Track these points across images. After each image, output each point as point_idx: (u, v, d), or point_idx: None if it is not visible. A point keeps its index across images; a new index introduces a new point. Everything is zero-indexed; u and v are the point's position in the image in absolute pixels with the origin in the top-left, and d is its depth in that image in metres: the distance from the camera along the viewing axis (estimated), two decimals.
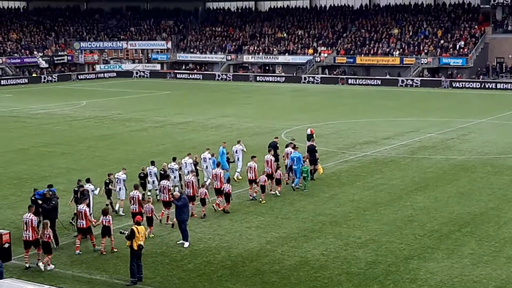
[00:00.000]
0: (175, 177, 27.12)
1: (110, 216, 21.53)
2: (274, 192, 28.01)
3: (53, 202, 22.40)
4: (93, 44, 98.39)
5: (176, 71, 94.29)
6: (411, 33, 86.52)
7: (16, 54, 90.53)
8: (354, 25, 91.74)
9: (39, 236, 19.99)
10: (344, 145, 39.60)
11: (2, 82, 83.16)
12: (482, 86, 74.68)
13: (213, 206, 25.57)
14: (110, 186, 25.62)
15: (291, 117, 51.72)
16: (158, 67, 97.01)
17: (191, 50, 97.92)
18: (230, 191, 25.91)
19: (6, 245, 20.17)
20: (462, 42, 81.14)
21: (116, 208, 25.51)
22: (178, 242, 22.02)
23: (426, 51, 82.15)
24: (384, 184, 29.89)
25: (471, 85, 75.19)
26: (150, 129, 46.59)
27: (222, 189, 25.80)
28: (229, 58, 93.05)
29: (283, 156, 30.78)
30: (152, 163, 27.65)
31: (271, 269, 19.70)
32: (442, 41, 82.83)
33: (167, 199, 24.29)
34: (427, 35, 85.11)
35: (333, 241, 22.11)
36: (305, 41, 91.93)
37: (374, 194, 28.18)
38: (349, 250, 21.18)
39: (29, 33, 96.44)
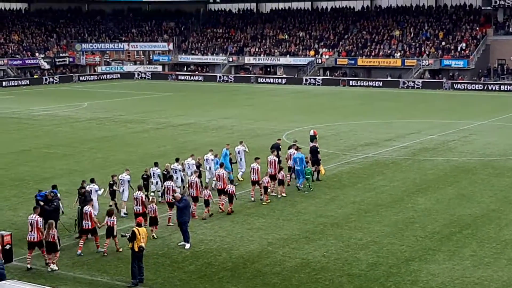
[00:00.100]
0: (177, 178, 27.15)
1: (115, 217, 21.58)
2: (275, 194, 28.03)
3: (55, 204, 22.44)
4: (95, 46, 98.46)
5: (177, 72, 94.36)
6: (412, 35, 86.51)
7: (17, 56, 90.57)
8: (356, 26, 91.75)
9: (43, 237, 20.05)
10: (345, 146, 39.60)
11: (4, 83, 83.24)
12: (484, 88, 74.65)
13: (220, 207, 25.67)
14: (114, 187, 25.69)
15: (292, 118, 51.72)
16: (159, 68, 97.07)
17: (193, 51, 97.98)
18: (234, 191, 25.99)
19: (8, 247, 20.17)
20: (464, 44, 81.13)
21: (122, 212, 25.53)
22: (179, 244, 22.03)
23: (427, 52, 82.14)
24: (385, 186, 29.89)
25: (472, 86, 75.16)
26: (151, 131, 46.61)
27: (225, 189, 25.88)
28: (231, 60, 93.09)
29: (286, 158, 30.80)
30: (156, 164, 27.71)
31: (272, 271, 19.71)
32: (443, 43, 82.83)
33: (171, 199, 24.36)
34: (428, 37, 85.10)
35: (334, 242, 22.11)
36: (306, 42, 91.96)
37: (375, 196, 28.17)
38: (350, 252, 21.18)
39: (30, 34, 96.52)
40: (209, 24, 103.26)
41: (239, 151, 31.13)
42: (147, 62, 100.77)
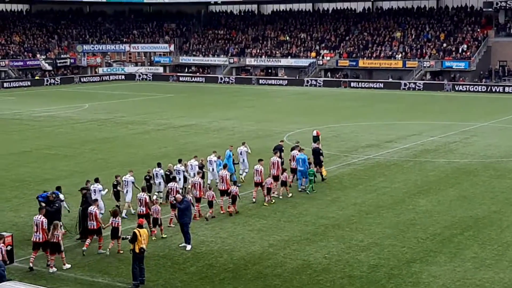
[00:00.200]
0: (179, 179, 27.16)
1: (119, 217, 21.59)
2: (277, 194, 28.06)
3: (56, 205, 22.45)
4: (96, 47, 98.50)
5: (178, 74, 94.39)
6: (413, 36, 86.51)
7: (19, 57, 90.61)
8: (357, 28, 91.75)
9: (48, 238, 20.09)
10: (347, 148, 39.59)
11: (5, 84, 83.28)
12: (485, 89, 74.65)
13: (223, 208, 25.76)
14: (118, 188, 25.73)
15: (293, 120, 51.72)
16: (160, 70, 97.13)
17: (194, 53, 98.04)
18: (237, 192, 26.02)
19: (9, 248, 20.17)
20: (465, 46, 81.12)
21: (125, 211, 25.59)
22: (180, 245, 22.02)
23: (428, 54, 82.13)
24: (386, 187, 29.87)
25: (473, 88, 75.15)
26: (152, 132, 46.61)
27: (229, 190, 25.92)
28: (232, 61, 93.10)
29: (289, 159, 30.79)
30: (159, 165, 27.74)
31: (273, 272, 19.69)
32: (444, 45, 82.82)
33: (172, 201, 24.37)
34: (429, 38, 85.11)
35: (336, 244, 22.09)
36: (307, 44, 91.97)
37: (376, 197, 28.16)
38: (351, 254, 21.16)
39: (32, 35, 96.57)
40: (210, 26, 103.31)
41: (241, 152, 31.19)
42: (148, 63, 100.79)
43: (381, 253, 21.14)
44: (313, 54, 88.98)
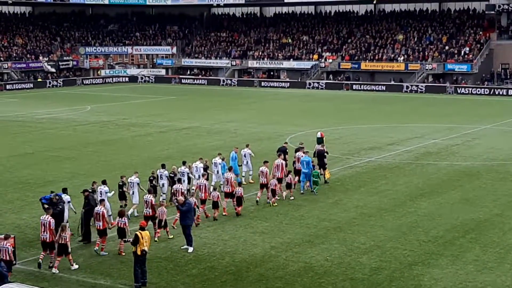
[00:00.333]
0: (184, 181, 27.21)
1: (125, 218, 21.64)
2: (283, 195, 28.12)
3: (60, 207, 22.50)
4: (98, 49, 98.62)
5: (181, 76, 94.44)
6: (416, 39, 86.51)
7: (21, 59, 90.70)
8: (359, 30, 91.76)
9: (56, 238, 20.16)
10: (349, 150, 39.60)
11: (8, 86, 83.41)
12: (487, 92, 74.61)
13: (225, 210, 25.84)
14: (124, 189, 25.79)
15: (295, 122, 51.75)
16: (163, 72, 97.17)
17: (196, 55, 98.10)
18: (242, 194, 26.07)
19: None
20: (467, 48, 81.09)
21: (129, 212, 25.65)
22: (182, 247, 22.04)
23: (431, 57, 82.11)
24: (388, 190, 29.88)
25: (476, 91, 75.12)
26: (154, 134, 46.65)
27: (234, 192, 25.97)
28: (234, 64, 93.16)
29: (293, 161, 30.82)
30: (163, 166, 27.81)
31: (275, 275, 19.70)
32: (447, 47, 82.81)
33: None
34: (432, 41, 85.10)
35: (337, 247, 22.10)
36: (310, 46, 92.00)
37: (378, 200, 28.16)
38: (353, 256, 21.17)
39: (34, 38, 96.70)
40: (212, 28, 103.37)
41: (245, 154, 31.26)
42: (151, 65, 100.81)
43: (383, 256, 21.15)
44: (315, 56, 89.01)
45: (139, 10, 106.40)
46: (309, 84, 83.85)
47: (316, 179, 29.14)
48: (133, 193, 25.92)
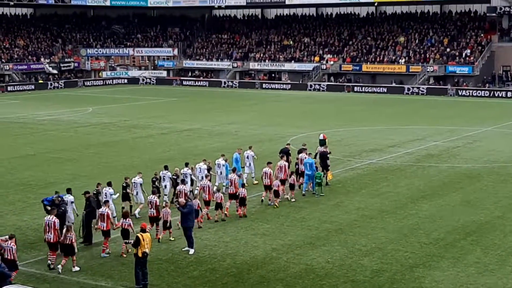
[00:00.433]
0: (186, 183, 27.25)
1: (130, 219, 21.66)
2: (287, 197, 28.18)
3: (62, 208, 22.51)
4: (100, 51, 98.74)
5: (182, 78, 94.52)
6: (417, 41, 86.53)
7: (23, 61, 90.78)
8: (360, 32, 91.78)
9: (61, 239, 20.19)
10: (350, 152, 39.59)
11: (9, 88, 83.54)
12: (488, 94, 74.60)
13: (227, 211, 25.86)
14: (128, 190, 25.83)
15: (296, 124, 51.76)
16: (164, 74, 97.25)
17: (197, 57, 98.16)
18: (246, 195, 26.11)
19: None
20: (468, 51, 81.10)
21: (136, 212, 25.72)
22: (183, 249, 22.05)
23: (432, 59, 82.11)
24: (389, 192, 29.87)
25: (477, 93, 75.11)
26: (156, 136, 46.66)
27: (237, 194, 25.99)
28: (235, 65, 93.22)
29: (296, 163, 30.82)
30: (166, 167, 27.83)
31: (276, 277, 19.70)
32: (448, 49, 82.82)
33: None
34: (433, 43, 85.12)
35: (339, 249, 22.10)
36: (311, 48, 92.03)
37: (379, 202, 28.16)
38: (354, 258, 21.16)
39: (36, 39, 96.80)
40: (214, 30, 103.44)
41: (247, 156, 31.29)
42: (152, 67, 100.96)
43: (384, 258, 21.14)
44: (317, 58, 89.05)
45: (141, 11, 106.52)
46: (311, 86, 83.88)
47: (319, 181, 29.17)
48: (136, 194, 26.01)
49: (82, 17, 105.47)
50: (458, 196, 29.12)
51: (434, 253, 21.61)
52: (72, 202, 23.51)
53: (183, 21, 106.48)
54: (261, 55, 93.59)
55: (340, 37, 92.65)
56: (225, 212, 25.78)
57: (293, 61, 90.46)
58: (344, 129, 49.26)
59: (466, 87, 76.72)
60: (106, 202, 22.77)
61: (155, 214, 23.38)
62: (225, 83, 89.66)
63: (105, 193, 24.38)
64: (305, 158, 29.84)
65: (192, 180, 27.78)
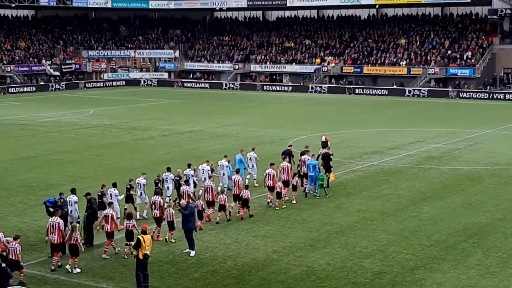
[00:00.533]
0: (189, 184, 27.25)
1: (134, 220, 21.69)
2: (287, 198, 28.18)
3: (65, 210, 22.54)
4: (101, 53, 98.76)
5: (183, 80, 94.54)
6: (418, 43, 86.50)
7: (24, 63, 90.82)
8: (362, 35, 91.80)
9: (66, 239, 20.22)
10: (351, 154, 39.59)
11: (11, 90, 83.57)
12: (489, 96, 74.53)
13: (229, 211, 25.90)
14: (131, 192, 25.86)
15: (297, 126, 51.76)
16: (165, 75, 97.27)
17: (199, 59, 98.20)
18: (249, 196, 26.11)
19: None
20: (470, 53, 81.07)
21: (144, 213, 25.76)
22: (184, 251, 22.05)
23: (433, 61, 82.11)
24: (390, 194, 29.87)
25: (478, 95, 75.05)
26: (157, 138, 46.67)
27: (240, 195, 26.03)
28: (237, 67, 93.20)
29: (298, 165, 30.81)
30: (168, 169, 27.87)
31: (277, 279, 19.70)
32: (449, 52, 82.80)
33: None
34: (434, 46, 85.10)
35: (339, 251, 22.10)
36: (312, 50, 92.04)
37: (381, 204, 28.15)
38: (355, 260, 21.16)
39: (37, 41, 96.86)
40: (215, 32, 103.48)
41: (250, 157, 31.32)
42: (153, 69, 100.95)
43: (385, 260, 21.14)
44: (318, 60, 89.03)
45: (142, 13, 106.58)
46: (312, 88, 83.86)
47: (322, 183, 29.18)
48: (140, 194, 26.04)
49: (83, 19, 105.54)
50: (459, 198, 29.11)
51: (435, 255, 21.61)
52: (75, 202, 23.52)
53: (184, 23, 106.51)
54: (262, 57, 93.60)
55: (341, 39, 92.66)
56: (230, 210, 25.79)
57: (294, 63, 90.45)
58: (345, 131, 49.27)
59: (467, 89, 76.68)
60: (111, 203, 22.81)
61: (158, 215, 23.43)
62: (226, 85, 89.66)
63: (110, 193, 24.41)
64: (308, 159, 29.85)
65: (194, 182, 27.79)
